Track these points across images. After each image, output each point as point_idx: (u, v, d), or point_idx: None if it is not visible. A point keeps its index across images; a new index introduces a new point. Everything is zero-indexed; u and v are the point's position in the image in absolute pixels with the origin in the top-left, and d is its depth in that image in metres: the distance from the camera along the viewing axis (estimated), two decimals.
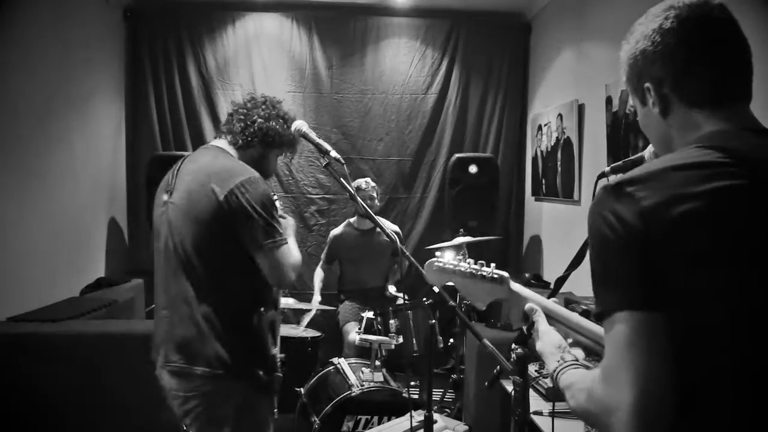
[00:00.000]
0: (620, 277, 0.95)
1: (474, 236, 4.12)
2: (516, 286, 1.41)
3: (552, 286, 1.67)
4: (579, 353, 1.24)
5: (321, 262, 4.49)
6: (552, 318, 1.32)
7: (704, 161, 0.97)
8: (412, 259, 1.95)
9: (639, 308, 0.92)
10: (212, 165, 2.03)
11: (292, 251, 2.07)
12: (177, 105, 5.30)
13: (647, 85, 1.09)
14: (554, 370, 1.18)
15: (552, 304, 1.35)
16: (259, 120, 2.14)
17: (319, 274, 4.41)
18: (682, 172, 0.96)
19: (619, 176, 1.00)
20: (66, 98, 4.15)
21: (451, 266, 1.42)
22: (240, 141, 2.15)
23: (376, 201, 4.39)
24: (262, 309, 2.04)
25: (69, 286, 4.03)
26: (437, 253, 1.46)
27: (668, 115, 1.09)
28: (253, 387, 2.04)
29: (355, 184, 4.31)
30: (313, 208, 5.44)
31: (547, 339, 1.27)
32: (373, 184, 4.38)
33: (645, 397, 0.89)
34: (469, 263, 1.42)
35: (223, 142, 2.18)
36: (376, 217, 2.12)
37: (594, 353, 1.27)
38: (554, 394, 1.31)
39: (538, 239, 5.23)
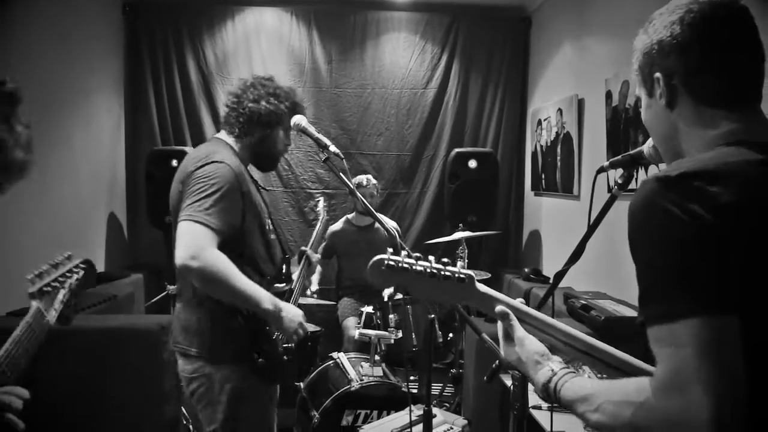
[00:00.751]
0: (693, 277, 0.86)
1: (473, 231, 4.12)
2: (482, 288, 1.22)
3: (551, 281, 1.68)
4: (557, 360, 1.14)
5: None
6: (526, 323, 1.19)
7: (758, 160, 0.94)
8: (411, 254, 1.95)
9: (716, 311, 0.85)
10: (191, 155, 2.09)
11: (207, 246, 1.87)
12: (176, 99, 5.30)
13: (657, 75, 1.08)
14: (548, 380, 1.10)
15: (525, 306, 1.21)
16: (250, 104, 2.13)
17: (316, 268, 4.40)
18: (751, 169, 0.92)
19: (676, 169, 0.92)
20: (65, 93, 4.15)
21: (407, 265, 1.16)
22: (237, 130, 2.16)
23: (377, 198, 4.38)
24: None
25: None
26: (389, 250, 1.19)
27: (674, 108, 1.09)
28: (251, 373, 2.05)
29: (356, 180, 4.30)
30: (313, 203, 5.42)
31: (528, 346, 1.15)
32: (374, 181, 4.38)
33: (727, 406, 0.82)
34: (430, 261, 1.18)
35: (223, 134, 2.20)
36: (376, 213, 2.13)
37: (571, 357, 1.16)
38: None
39: (538, 234, 5.23)
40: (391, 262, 1.16)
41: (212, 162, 1.98)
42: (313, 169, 5.42)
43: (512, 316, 1.19)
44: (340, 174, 2.02)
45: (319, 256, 2.52)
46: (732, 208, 0.86)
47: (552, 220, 4.95)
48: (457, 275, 1.18)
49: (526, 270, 4.61)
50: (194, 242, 1.86)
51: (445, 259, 1.21)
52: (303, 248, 2.54)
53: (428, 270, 1.17)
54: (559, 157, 4.62)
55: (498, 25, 5.56)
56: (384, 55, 5.50)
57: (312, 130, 2.12)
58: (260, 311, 1.96)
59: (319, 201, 3.43)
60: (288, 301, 2.22)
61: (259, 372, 2.06)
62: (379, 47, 5.50)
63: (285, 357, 2.16)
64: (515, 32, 5.57)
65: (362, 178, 4.33)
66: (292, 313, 2.05)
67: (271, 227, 2.23)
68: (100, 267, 4.63)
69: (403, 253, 1.22)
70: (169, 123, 5.30)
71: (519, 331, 1.18)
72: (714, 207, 0.86)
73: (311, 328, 3.81)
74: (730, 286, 0.85)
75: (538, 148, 5.12)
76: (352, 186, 2.01)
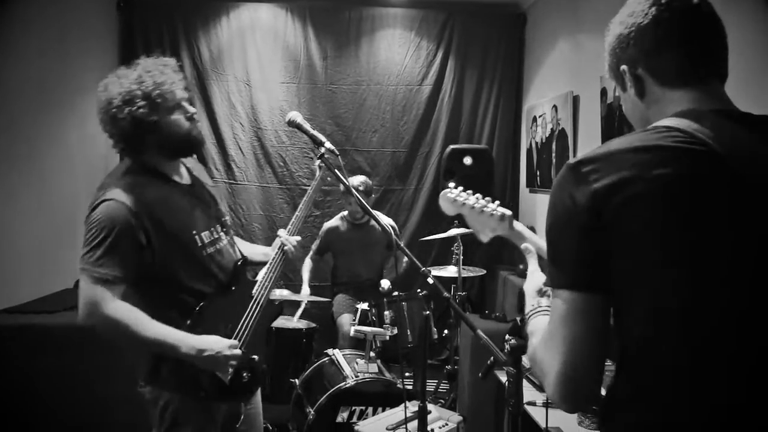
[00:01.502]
0: (564, 257, 1.00)
1: (468, 228, 4.12)
2: (518, 225, 1.52)
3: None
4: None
5: (311, 253, 4.46)
6: (545, 260, 1.30)
7: (661, 144, 0.98)
8: (408, 251, 1.95)
9: (578, 289, 0.98)
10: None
11: (101, 302, 1.73)
12: None
13: (623, 68, 1.12)
14: (528, 312, 1.24)
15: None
16: (115, 128, 1.87)
17: (307, 264, 4.38)
18: (638, 155, 0.97)
19: (581, 155, 1.02)
20: (60, 90, 4.13)
21: (461, 199, 1.54)
22: (130, 154, 1.94)
23: (372, 196, 4.35)
24: (188, 322, 1.87)
25: (63, 278, 4.02)
26: (450, 184, 1.56)
27: (644, 96, 1.11)
28: (185, 397, 1.91)
29: (352, 181, 4.28)
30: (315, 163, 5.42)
31: (532, 280, 1.32)
32: (369, 183, 4.34)
33: (570, 369, 0.98)
34: (477, 198, 1.54)
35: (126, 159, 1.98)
36: (372, 210, 2.12)
37: None
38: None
39: (533, 230, 5.23)
40: (451, 195, 1.56)
41: (101, 202, 1.78)
42: (308, 166, 5.41)
43: (533, 253, 1.41)
44: (336, 171, 2.01)
45: (299, 238, 2.29)
46: (605, 191, 0.95)
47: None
48: (497, 212, 1.52)
49: (521, 266, 4.62)
50: (87, 301, 1.75)
51: (489, 198, 1.54)
52: (279, 233, 2.30)
53: (476, 205, 1.53)
54: (554, 154, 4.63)
55: (493, 21, 5.56)
56: (379, 51, 5.49)
57: (307, 126, 2.11)
58: (177, 356, 1.80)
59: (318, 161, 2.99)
60: (253, 305, 2.05)
61: (208, 396, 1.92)
62: (374, 44, 5.49)
63: (242, 376, 2.00)
64: (510, 29, 5.56)
65: (357, 181, 4.27)
66: (214, 348, 1.83)
67: (207, 239, 1.98)
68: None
69: (460, 188, 1.57)
70: None
71: (532, 265, 1.38)
72: (590, 191, 0.96)
73: (306, 324, 3.82)
74: (593, 266, 0.97)
75: (533, 145, 5.12)
76: (347, 183, 2.01)
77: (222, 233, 2.08)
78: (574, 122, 4.28)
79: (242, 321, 2.02)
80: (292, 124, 2.12)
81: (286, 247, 2.23)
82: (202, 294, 1.93)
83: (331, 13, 5.44)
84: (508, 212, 1.50)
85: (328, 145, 2.03)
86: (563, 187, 1.01)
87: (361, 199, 2.04)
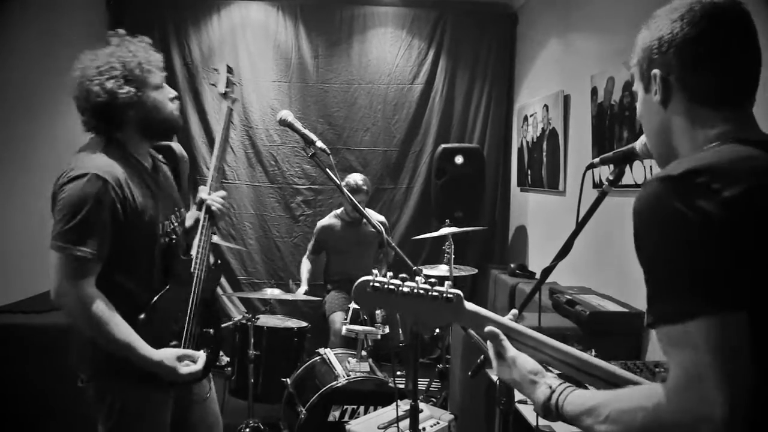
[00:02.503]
0: (703, 276, 0.86)
1: (460, 227, 4.13)
2: (471, 306, 1.20)
3: (538, 276, 1.69)
4: (552, 376, 1.13)
5: (307, 253, 4.48)
6: (516, 340, 1.18)
7: (757, 155, 0.96)
8: (398, 249, 1.96)
9: (725, 308, 0.85)
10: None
11: (76, 284, 1.70)
12: None
13: (655, 71, 1.09)
14: (548, 398, 1.07)
15: (515, 324, 1.20)
16: (92, 104, 1.84)
17: (306, 265, 4.41)
18: (748, 163, 0.93)
19: (677, 168, 0.92)
20: (48, 89, 4.09)
21: (393, 287, 1.14)
22: (102, 131, 1.91)
23: (363, 195, 4.29)
24: (142, 316, 1.83)
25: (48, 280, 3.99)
26: (374, 271, 1.19)
27: (668, 105, 1.09)
28: (134, 389, 1.86)
29: (348, 179, 4.26)
30: (299, 198, 5.43)
31: (521, 365, 1.14)
32: (365, 185, 4.31)
33: (738, 400, 0.83)
34: (416, 282, 1.16)
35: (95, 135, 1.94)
36: (363, 209, 2.12)
37: (566, 377, 1.13)
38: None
39: (524, 230, 5.26)
40: (377, 284, 1.14)
41: (78, 177, 1.73)
42: (299, 165, 5.40)
43: (502, 336, 1.17)
44: (327, 170, 2.00)
45: (223, 193, 2.16)
46: (738, 201, 0.87)
47: (538, 216, 4.97)
48: (444, 295, 1.16)
49: (512, 265, 4.64)
50: (60, 279, 1.71)
51: (432, 279, 1.18)
52: (200, 193, 2.13)
53: (415, 291, 1.15)
54: (545, 153, 4.65)
55: (485, 21, 5.57)
56: (371, 50, 5.49)
57: (298, 125, 2.09)
58: (136, 363, 1.77)
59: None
60: (196, 284, 1.99)
61: (155, 388, 1.87)
62: (365, 42, 5.48)
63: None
64: (502, 28, 5.58)
65: (354, 179, 4.26)
66: (168, 365, 1.80)
67: (168, 228, 1.98)
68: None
69: (389, 275, 1.17)
70: None
71: (510, 351, 1.16)
72: (721, 202, 0.86)
73: (297, 323, 3.81)
74: (740, 282, 0.85)
75: (524, 144, 5.14)
76: (338, 182, 2.00)
77: (176, 224, 2.05)
78: (565, 121, 4.30)
79: (189, 310, 1.97)
80: (283, 123, 2.10)
81: (213, 207, 2.10)
82: (152, 286, 1.89)
83: (323, 12, 5.44)
84: (458, 292, 1.17)
85: (319, 144, 2.02)
86: (672, 201, 0.89)
87: (351, 196, 2.04)
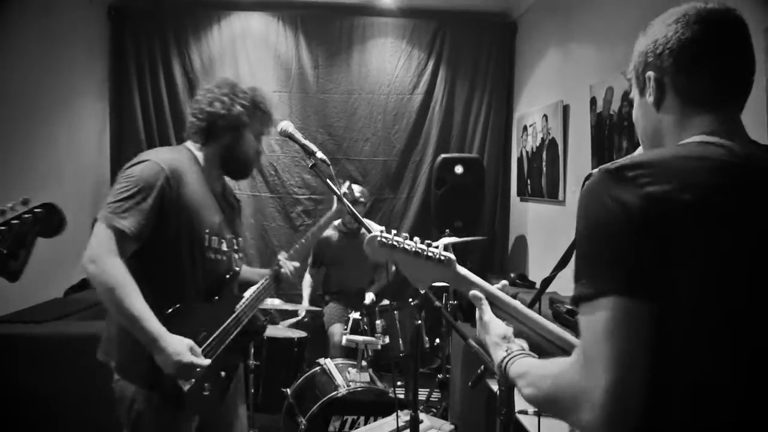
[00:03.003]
0: (611, 261, 0.92)
1: (460, 236, 4.14)
2: (462, 270, 1.34)
3: (538, 286, 1.69)
4: (523, 344, 1.22)
5: (308, 267, 4.44)
6: (497, 307, 1.28)
7: (710, 156, 0.98)
8: None
9: (627, 294, 0.90)
10: None
11: (108, 252, 1.77)
12: (162, 104, 5.27)
13: (650, 74, 1.10)
14: (502, 360, 1.17)
15: (498, 292, 1.31)
16: (207, 109, 2.03)
17: (307, 280, 4.37)
18: (688, 162, 0.96)
19: (621, 161, 0.97)
20: (50, 96, 4.13)
21: (396, 243, 1.32)
22: (199, 138, 2.07)
23: (361, 206, 4.30)
24: (169, 311, 1.86)
25: (53, 287, 4.00)
26: (381, 229, 1.38)
27: (660, 107, 1.11)
28: (152, 394, 1.88)
29: (345, 189, 4.26)
30: (300, 208, 5.43)
31: (492, 329, 1.24)
32: (362, 197, 4.30)
33: (620, 386, 0.88)
34: (415, 242, 1.33)
35: (189, 143, 2.13)
36: (363, 219, 2.13)
37: (538, 347, 1.22)
38: (504, 383, 1.32)
39: (524, 239, 5.26)
40: (383, 239, 1.31)
41: (141, 162, 1.90)
42: (299, 175, 5.41)
43: (483, 301, 1.29)
44: (327, 180, 2.01)
45: (297, 264, 2.30)
46: (660, 196, 0.91)
47: (537, 226, 4.98)
48: (437, 256, 1.31)
49: (512, 275, 4.64)
50: (97, 246, 1.79)
51: (428, 241, 1.34)
52: (279, 256, 2.30)
53: (413, 249, 1.31)
54: (544, 163, 4.66)
55: (484, 31, 5.60)
56: (371, 60, 5.52)
57: (298, 135, 2.11)
58: (140, 339, 1.77)
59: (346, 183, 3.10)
60: (233, 319, 2.05)
61: (166, 398, 1.87)
62: (365, 52, 5.51)
63: (204, 388, 1.95)
64: (501, 38, 5.61)
65: (358, 191, 4.26)
66: (178, 350, 1.78)
67: (215, 244, 2.03)
68: (80, 274, 4.57)
69: (393, 231, 1.33)
70: (154, 127, 5.27)
71: (486, 314, 1.27)
72: (643, 195, 0.91)
73: (297, 334, 3.81)
74: (647, 273, 0.90)
75: (524, 154, 5.15)
76: (339, 192, 2.01)
77: (230, 248, 2.12)
78: (565, 131, 4.31)
79: (217, 332, 2.00)
80: (283, 133, 2.12)
81: (282, 270, 2.24)
82: (183, 294, 1.93)
83: (323, 22, 5.47)
84: (451, 255, 1.33)
85: (319, 154, 2.03)
86: (602, 191, 0.95)
87: (352, 208, 2.04)
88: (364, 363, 3.33)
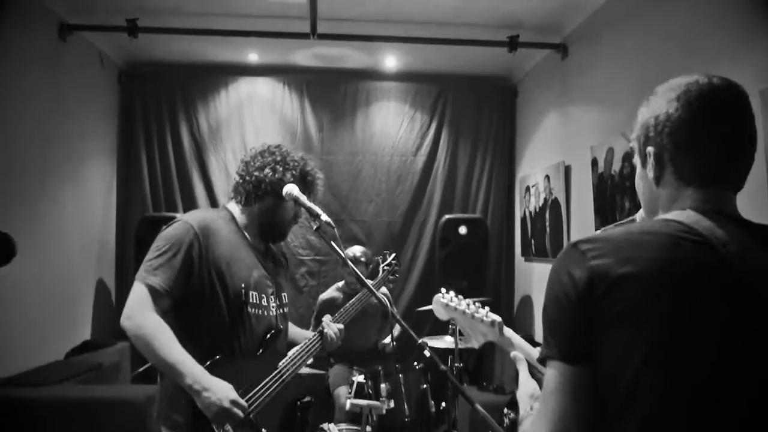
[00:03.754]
0: (558, 329, 1.03)
1: (465, 297, 4.11)
2: (508, 332, 1.52)
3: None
4: None
5: (311, 327, 4.41)
6: (536, 369, 1.39)
7: (663, 231, 1.01)
8: (403, 322, 1.95)
9: (570, 361, 1.00)
10: None
11: (144, 308, 1.83)
12: (168, 167, 5.35)
13: (650, 149, 1.12)
14: (521, 417, 1.27)
15: (533, 350, 1.45)
16: (255, 173, 2.11)
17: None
18: (638, 238, 1.01)
19: (584, 236, 1.06)
20: (59, 157, 4.19)
21: (453, 304, 1.56)
22: (242, 198, 2.14)
23: (369, 266, 4.31)
24: (209, 362, 1.88)
25: (54, 349, 3.96)
26: (442, 289, 1.60)
27: (659, 184, 1.12)
28: None
29: (347, 251, 4.27)
30: (304, 269, 5.43)
31: (524, 388, 1.35)
32: (368, 253, 4.33)
33: None
34: (467, 304, 1.55)
35: (231, 203, 2.20)
36: (367, 281, 2.13)
37: None
38: None
39: (529, 300, 5.23)
40: (444, 300, 1.58)
41: (176, 222, 1.99)
42: (304, 236, 5.43)
43: (522, 361, 1.43)
44: (332, 242, 2.03)
45: (341, 326, 2.41)
46: (600, 269, 0.98)
47: (543, 286, 4.92)
48: (485, 318, 1.53)
49: (519, 336, 4.58)
50: (133, 303, 1.86)
51: (478, 303, 1.57)
52: (324, 318, 2.39)
53: (467, 311, 1.54)
54: (547, 223, 4.68)
55: (485, 94, 5.73)
56: (374, 123, 5.63)
57: (303, 199, 2.12)
58: (182, 385, 1.80)
59: (386, 254, 3.20)
60: (275, 376, 2.04)
61: None
62: (369, 116, 5.63)
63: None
64: (502, 101, 5.73)
65: (355, 251, 4.29)
66: (218, 394, 1.80)
67: (254, 299, 2.06)
68: (87, 335, 4.55)
69: (452, 293, 1.60)
70: (160, 190, 5.33)
71: (522, 373, 1.40)
72: (587, 268, 0.99)
73: (301, 397, 3.74)
74: (583, 340, 0.99)
75: (527, 214, 5.18)
76: (343, 255, 2.02)
77: (273, 306, 2.15)
78: (567, 191, 4.35)
79: (259, 388, 1.99)
80: (289, 197, 2.14)
81: (325, 331, 2.29)
82: (223, 348, 1.95)
83: (327, 87, 5.61)
84: (498, 318, 1.53)
85: (324, 217, 2.05)
86: (562, 264, 1.05)
87: (356, 270, 2.05)
88: (368, 428, 3.25)
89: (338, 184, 5.54)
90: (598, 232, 1.08)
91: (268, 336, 2.09)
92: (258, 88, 5.53)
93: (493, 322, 1.52)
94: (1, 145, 3.51)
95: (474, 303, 1.57)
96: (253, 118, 5.48)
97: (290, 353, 2.16)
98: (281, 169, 2.11)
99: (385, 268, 3.01)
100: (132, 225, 4.93)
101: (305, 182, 2.18)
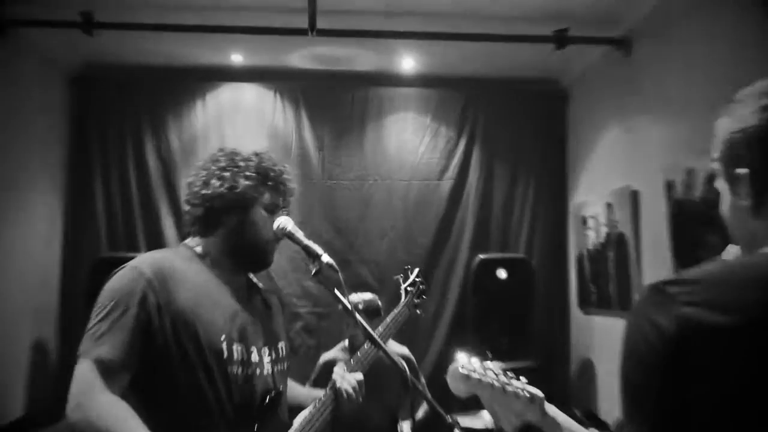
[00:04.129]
0: (643, 399, 1.02)
1: (505, 360, 4.05)
2: (551, 410, 1.48)
3: (612, 428, 1.68)
4: None
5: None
6: None
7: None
8: (427, 394, 1.90)
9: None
10: None
11: (93, 391, 1.76)
12: (130, 195, 5.38)
13: (743, 171, 1.09)
14: None
15: None
16: (202, 191, 2.03)
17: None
18: (741, 276, 0.99)
19: (673, 275, 1.04)
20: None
21: (476, 376, 1.48)
22: (197, 229, 2.08)
23: (380, 316, 4.25)
24: None
25: None
26: (460, 355, 1.54)
27: (759, 214, 1.09)
28: None
29: (355, 299, 4.19)
30: (299, 324, 5.38)
31: None
32: (376, 302, 4.25)
33: None
34: (498, 374, 1.48)
35: (188, 239, 2.14)
36: (379, 339, 2.09)
37: None
38: None
39: (590, 364, 5.14)
40: (463, 370, 1.50)
41: (121, 269, 1.91)
42: (299, 282, 5.39)
43: None
44: (334, 290, 1.99)
45: (360, 377, 2.30)
46: (691, 316, 0.97)
47: (608, 346, 4.86)
48: (524, 393, 1.45)
49: (577, 412, 4.49)
50: (78, 387, 1.78)
51: (510, 373, 1.50)
52: (335, 369, 2.31)
53: (495, 383, 1.47)
54: (612, 265, 4.62)
55: (527, 102, 5.72)
56: (388, 139, 5.64)
57: (299, 235, 2.08)
58: None
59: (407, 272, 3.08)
60: None
61: None
62: (382, 130, 5.64)
63: None
64: (548, 111, 5.73)
65: (363, 299, 4.22)
66: None
67: (238, 355, 1.97)
68: (18, 411, 4.49)
69: (474, 359, 1.52)
70: (119, 223, 5.35)
71: None
72: (676, 315, 0.98)
73: None
74: (677, 406, 0.97)
75: (585, 253, 5.13)
76: (347, 305, 1.98)
77: (267, 361, 2.06)
78: (635, 224, 4.31)
79: None
80: (281, 232, 2.10)
81: (339, 385, 2.20)
82: (205, 424, 1.87)
83: (329, 95, 5.65)
84: (538, 393, 1.47)
85: (325, 258, 2.00)
86: (644, 312, 1.03)
87: (364, 323, 2.01)
88: None
89: (343, 216, 5.53)
90: (692, 270, 1.04)
91: (265, 402, 2.00)
92: (243, 96, 5.58)
93: (532, 398, 1.46)
94: None
95: (505, 373, 1.50)
96: (235, 133, 5.50)
97: (296, 422, 2.07)
98: (230, 176, 2.03)
99: (408, 289, 2.88)
100: (82, 269, 4.90)
101: (268, 182, 2.09)
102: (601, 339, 4.97)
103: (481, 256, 5.15)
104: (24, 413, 4.52)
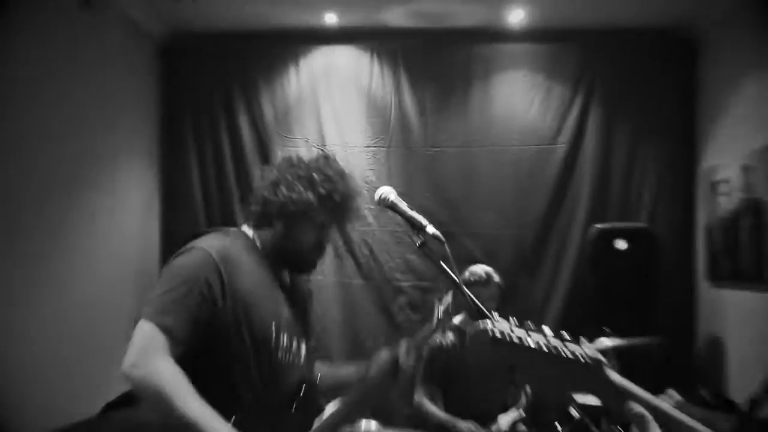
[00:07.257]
0: None
1: (625, 337, 4.01)
2: (615, 377, 1.24)
3: (743, 409, 1.63)
4: None
5: (416, 392, 4.18)
6: (666, 427, 1.23)
7: None
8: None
9: None
10: None
11: (155, 354, 1.91)
12: (224, 168, 5.57)
13: None
14: None
15: (671, 409, 1.24)
16: (264, 193, 2.24)
17: (428, 406, 4.09)
18: None
19: None
20: (82, 164, 4.39)
21: (517, 339, 1.22)
22: (253, 220, 2.28)
23: (495, 299, 4.15)
24: (233, 418, 1.95)
25: (86, 403, 4.11)
26: (488, 321, 1.25)
27: None
28: None
29: (466, 274, 4.09)
30: (403, 299, 5.46)
31: None
32: (496, 279, 4.21)
33: None
34: (545, 334, 1.24)
35: (244, 226, 2.33)
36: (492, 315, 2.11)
37: None
38: None
39: (719, 343, 5.04)
40: (497, 334, 1.21)
41: (189, 250, 2.09)
42: (402, 256, 5.47)
43: (649, 421, 1.21)
44: (441, 262, 2.02)
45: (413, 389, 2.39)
46: None
47: (740, 323, 4.77)
48: (581, 357, 1.20)
49: (703, 392, 4.42)
50: (139, 346, 1.93)
51: (564, 333, 1.24)
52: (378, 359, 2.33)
53: (543, 347, 1.21)
54: (746, 233, 4.51)
55: (651, 55, 5.59)
56: (495, 101, 5.61)
57: (403, 205, 2.14)
58: None
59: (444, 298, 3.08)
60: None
61: None
62: (488, 92, 5.62)
63: None
64: (677, 64, 5.57)
65: (479, 272, 4.22)
66: None
67: (288, 344, 2.18)
68: (121, 387, 4.70)
69: (511, 320, 1.26)
70: (214, 198, 5.55)
71: None
72: None
73: None
74: None
75: (715, 222, 5.01)
76: (457, 280, 2.01)
77: (302, 349, 2.24)
78: None
79: None
80: (383, 203, 2.16)
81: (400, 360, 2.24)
82: (249, 402, 2.05)
83: (431, 54, 5.65)
84: (599, 356, 1.22)
85: (430, 229, 2.06)
86: None
87: (476, 300, 2.03)
88: None
89: (447, 186, 5.57)
90: None
91: (302, 390, 2.18)
92: (338, 59, 5.66)
93: (594, 362, 1.22)
94: (7, 143, 3.64)
95: (557, 335, 1.25)
96: (331, 99, 5.61)
97: (329, 408, 2.21)
98: (298, 188, 2.19)
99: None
100: (180, 245, 5.05)
101: (326, 205, 2.22)
102: (733, 315, 4.88)
103: (599, 226, 5.11)
104: (125, 391, 4.75)
